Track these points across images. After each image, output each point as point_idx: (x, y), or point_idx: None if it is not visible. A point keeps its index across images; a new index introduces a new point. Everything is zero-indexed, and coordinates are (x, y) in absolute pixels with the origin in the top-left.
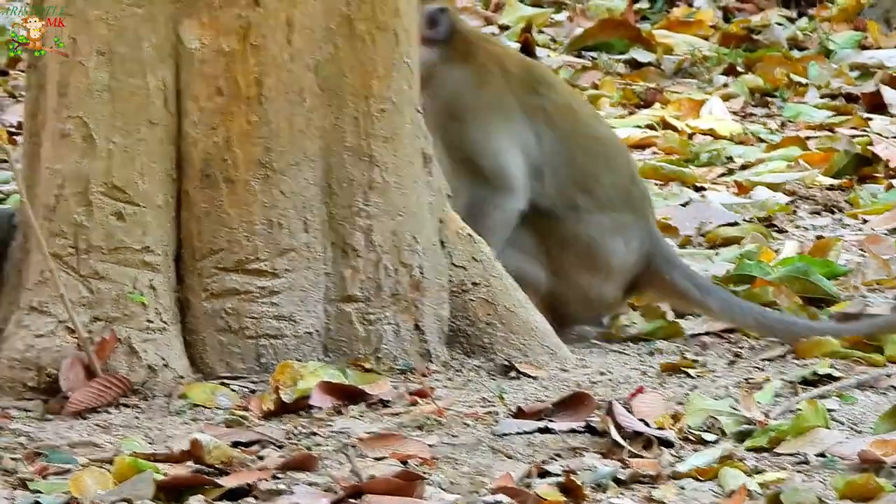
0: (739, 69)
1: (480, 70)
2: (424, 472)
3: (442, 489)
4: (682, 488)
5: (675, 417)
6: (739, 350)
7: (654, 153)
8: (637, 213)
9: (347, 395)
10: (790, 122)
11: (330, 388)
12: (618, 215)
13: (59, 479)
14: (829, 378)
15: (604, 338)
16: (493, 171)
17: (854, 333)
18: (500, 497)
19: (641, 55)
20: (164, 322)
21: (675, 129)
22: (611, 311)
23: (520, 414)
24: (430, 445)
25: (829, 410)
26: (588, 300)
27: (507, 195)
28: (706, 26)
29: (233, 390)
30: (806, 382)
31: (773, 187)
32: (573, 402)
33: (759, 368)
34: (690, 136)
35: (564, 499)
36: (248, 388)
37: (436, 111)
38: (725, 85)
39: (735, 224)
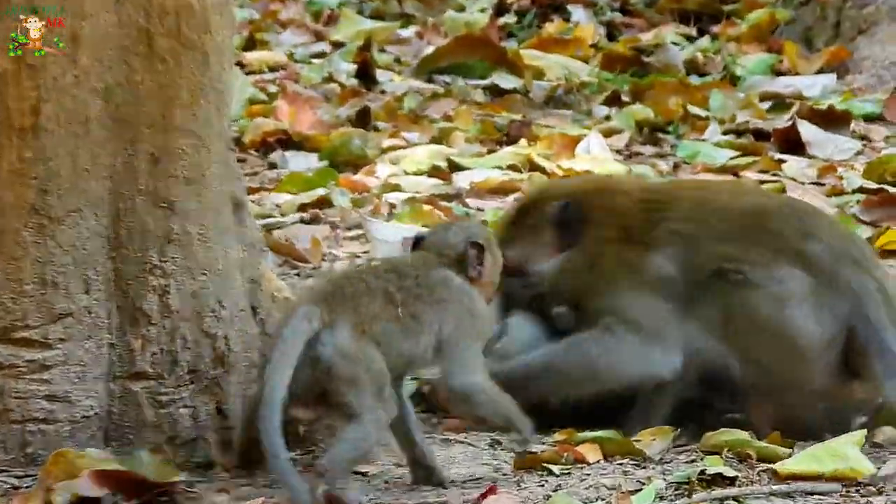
0: (625, 98)
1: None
2: None
3: None
4: None
5: None
6: None
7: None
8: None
9: (131, 488)
10: (685, 163)
11: (106, 478)
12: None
13: None
14: (723, 478)
15: None
16: None
17: None
18: None
19: (505, 80)
20: None
21: (544, 171)
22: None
23: None
24: None
25: None
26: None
27: None
28: (585, 46)
29: None
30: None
31: None
32: None
33: (638, 465)
34: None
35: None
36: (11, 483)
37: None
38: (608, 117)
39: None
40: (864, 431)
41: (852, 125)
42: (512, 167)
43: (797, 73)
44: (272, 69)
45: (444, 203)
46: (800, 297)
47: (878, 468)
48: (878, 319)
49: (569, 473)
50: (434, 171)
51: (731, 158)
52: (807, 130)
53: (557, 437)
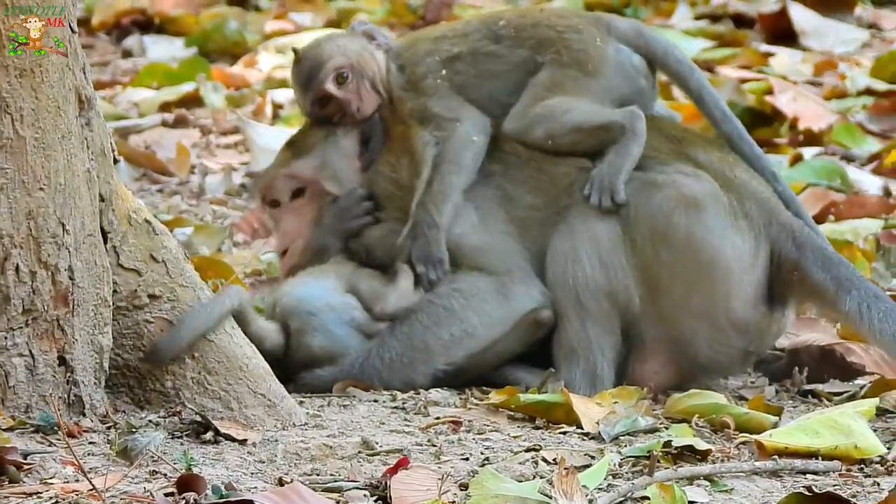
0: None
1: None
2: None
3: None
4: None
5: None
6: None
7: None
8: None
9: None
10: None
11: None
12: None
13: None
14: (692, 452)
15: None
16: None
17: None
18: None
19: None
20: None
21: None
22: (758, 342)
23: None
24: None
25: (692, 502)
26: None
27: None
28: None
29: None
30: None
31: None
32: None
33: (586, 435)
34: None
35: None
36: None
37: None
38: None
39: None
40: (875, 401)
41: (857, 9)
42: None
43: None
44: None
45: None
46: (713, 201)
47: (889, 446)
48: (802, 229)
49: (497, 445)
50: None
51: (706, 50)
52: (800, 16)
53: (494, 398)
